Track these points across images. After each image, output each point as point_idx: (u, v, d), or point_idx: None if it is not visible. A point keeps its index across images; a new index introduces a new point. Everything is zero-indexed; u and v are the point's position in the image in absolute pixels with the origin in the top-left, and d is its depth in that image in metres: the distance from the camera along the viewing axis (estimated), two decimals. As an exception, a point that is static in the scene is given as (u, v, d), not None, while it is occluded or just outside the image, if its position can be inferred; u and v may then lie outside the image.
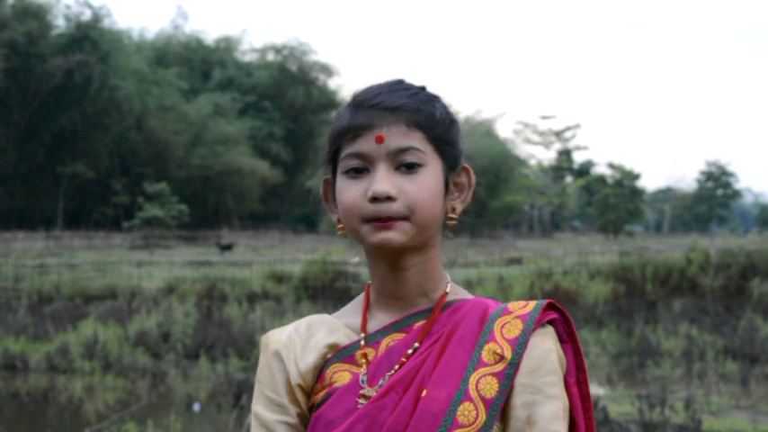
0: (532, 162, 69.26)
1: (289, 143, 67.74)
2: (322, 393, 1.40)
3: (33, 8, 54.35)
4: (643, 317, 16.55)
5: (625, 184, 50.20)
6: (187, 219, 48.54)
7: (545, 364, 1.36)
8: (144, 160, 57.92)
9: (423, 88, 1.44)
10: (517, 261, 26.45)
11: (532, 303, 1.41)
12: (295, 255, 30.33)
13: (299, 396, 1.41)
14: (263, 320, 15.97)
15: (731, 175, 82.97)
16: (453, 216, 1.44)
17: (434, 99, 1.43)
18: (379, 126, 1.37)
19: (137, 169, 57.24)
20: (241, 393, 10.89)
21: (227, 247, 36.79)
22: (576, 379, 1.39)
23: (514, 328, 1.37)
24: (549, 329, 1.39)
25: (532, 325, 1.37)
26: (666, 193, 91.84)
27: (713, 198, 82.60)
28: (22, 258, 28.27)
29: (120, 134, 56.99)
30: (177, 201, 48.03)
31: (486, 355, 1.36)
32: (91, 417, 10.69)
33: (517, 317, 1.39)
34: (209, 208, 61.00)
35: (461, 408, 1.32)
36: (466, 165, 1.46)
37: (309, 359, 1.42)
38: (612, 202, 49.35)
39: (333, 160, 1.43)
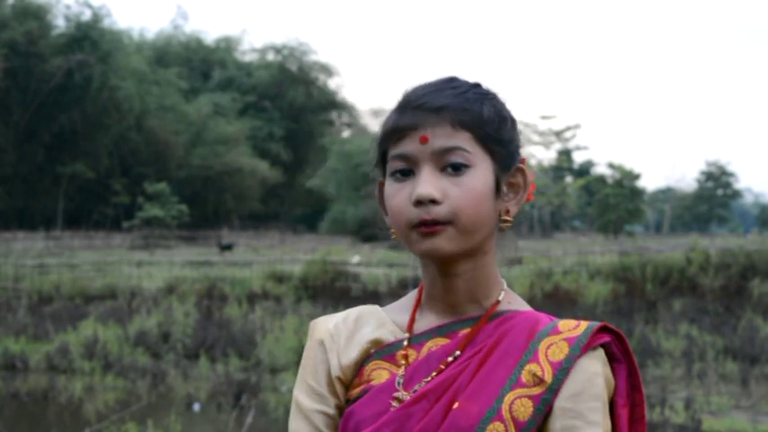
0: (532, 162, 69.22)
1: (289, 143, 67.75)
2: (358, 389, 1.39)
3: (33, 8, 54.33)
4: (643, 317, 16.53)
5: (625, 184, 50.11)
6: (187, 219, 48.52)
7: (590, 389, 1.31)
8: (144, 160, 57.92)
9: (475, 85, 1.40)
10: (517, 261, 26.40)
11: (583, 325, 1.36)
12: (295, 255, 30.31)
13: (338, 388, 1.40)
14: (263, 320, 15.97)
15: (731, 175, 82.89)
16: (507, 218, 1.40)
17: (484, 97, 1.38)
18: (422, 127, 1.33)
19: (137, 169, 57.23)
20: (241, 393, 10.90)
21: (228, 247, 36.78)
22: (626, 401, 1.34)
23: (560, 351, 1.32)
24: (599, 352, 1.34)
25: (578, 351, 1.32)
26: (666, 193, 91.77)
27: (713, 198, 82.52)
28: (22, 258, 28.26)
29: (120, 134, 56.99)
30: (177, 201, 48.02)
31: (525, 375, 1.31)
32: (91, 417, 10.69)
33: (564, 339, 1.34)
34: (209, 208, 61.00)
35: (491, 427, 1.28)
36: (521, 165, 1.41)
37: (352, 354, 1.40)
38: (612, 202, 49.27)
39: (382, 163, 1.40)
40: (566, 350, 1.32)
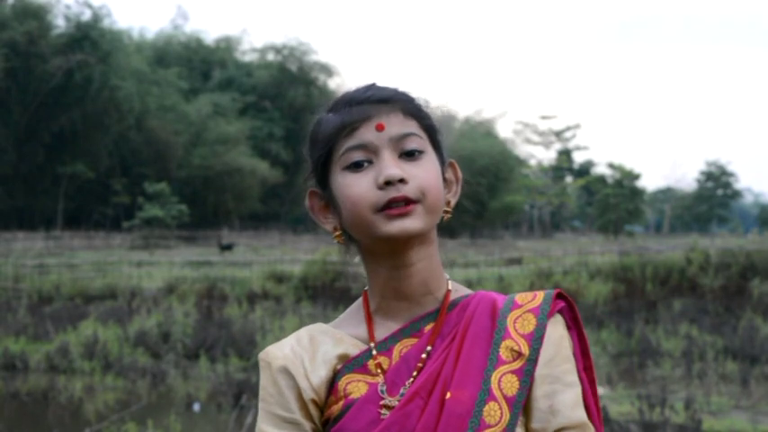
0: (532, 162, 69.28)
1: (289, 143, 67.72)
2: (339, 405, 1.37)
3: (33, 8, 54.34)
4: (643, 317, 16.54)
5: (625, 184, 50.15)
6: (187, 219, 48.53)
7: (561, 352, 1.37)
8: (144, 160, 57.91)
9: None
10: (517, 261, 26.42)
11: (541, 295, 1.41)
12: (295, 255, 30.32)
13: (313, 411, 1.38)
14: (263, 320, 15.97)
15: (731, 175, 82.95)
16: (448, 209, 1.43)
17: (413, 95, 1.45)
18: (377, 115, 1.37)
19: (137, 169, 57.22)
20: (241, 393, 10.89)
21: (228, 248, 36.79)
22: (582, 365, 1.41)
23: (528, 323, 1.37)
24: (559, 317, 1.40)
25: (546, 319, 1.38)
26: (666, 193, 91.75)
27: (713, 198, 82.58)
28: (22, 258, 28.25)
29: (120, 134, 56.98)
30: (177, 201, 48.03)
31: (503, 352, 1.36)
32: (91, 417, 10.69)
33: (529, 311, 1.39)
34: (209, 208, 60.98)
35: (487, 408, 1.32)
36: (451, 160, 1.46)
37: (321, 372, 1.39)
38: (612, 202, 49.30)
39: (322, 168, 1.41)
40: (533, 321, 1.38)
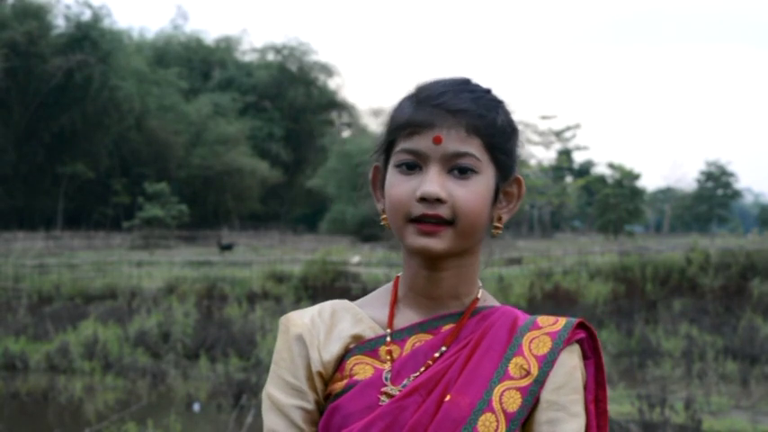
0: (532, 162, 69.27)
1: (289, 143, 67.77)
2: (342, 384, 1.40)
3: (33, 8, 54.35)
4: (643, 317, 16.54)
5: (625, 184, 50.08)
6: (187, 219, 48.51)
7: (570, 382, 1.37)
8: (144, 160, 57.92)
9: (488, 91, 1.43)
10: (517, 261, 26.38)
11: (562, 321, 1.42)
12: (295, 255, 30.32)
13: (318, 383, 1.41)
14: (263, 320, 15.98)
15: (731, 175, 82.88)
16: (499, 225, 1.43)
17: (498, 105, 1.42)
18: (439, 127, 1.36)
19: (137, 169, 57.23)
20: (241, 393, 10.90)
21: (228, 247, 36.77)
22: (594, 396, 1.40)
23: (543, 346, 1.38)
24: (576, 347, 1.40)
25: (561, 345, 1.38)
26: (666, 193, 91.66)
27: (713, 198, 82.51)
28: (22, 258, 28.24)
29: (120, 134, 56.99)
30: (177, 201, 47.99)
31: (512, 368, 1.37)
32: (91, 417, 10.69)
33: (546, 334, 1.40)
34: (209, 208, 61.01)
35: (483, 418, 1.33)
36: (518, 175, 1.44)
37: (333, 349, 1.41)
38: (612, 202, 49.23)
39: (387, 150, 1.42)
40: (549, 344, 1.38)
